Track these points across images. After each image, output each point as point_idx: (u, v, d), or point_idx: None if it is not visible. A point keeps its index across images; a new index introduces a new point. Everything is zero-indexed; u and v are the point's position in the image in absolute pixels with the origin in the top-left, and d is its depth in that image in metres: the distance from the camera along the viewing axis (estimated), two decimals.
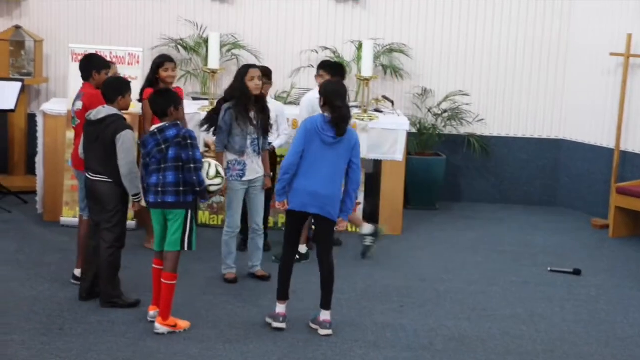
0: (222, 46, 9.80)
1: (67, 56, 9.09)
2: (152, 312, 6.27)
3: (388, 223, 9.02)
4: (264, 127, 7.23)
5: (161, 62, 7.85)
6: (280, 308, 6.33)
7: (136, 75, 8.81)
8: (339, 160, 6.24)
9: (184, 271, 6.71)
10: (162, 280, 6.15)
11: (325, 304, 6.32)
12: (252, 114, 7.14)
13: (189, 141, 6.10)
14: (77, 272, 7.01)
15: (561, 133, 10.70)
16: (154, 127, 6.21)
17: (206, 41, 9.87)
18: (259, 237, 7.39)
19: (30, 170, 9.93)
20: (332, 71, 8.02)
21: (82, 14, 10.53)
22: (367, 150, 8.97)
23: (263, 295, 6.94)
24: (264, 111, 7.23)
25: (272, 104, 7.73)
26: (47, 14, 10.54)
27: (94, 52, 8.09)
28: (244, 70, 7.19)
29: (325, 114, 6.24)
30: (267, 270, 7.38)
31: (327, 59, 9.44)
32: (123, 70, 8.47)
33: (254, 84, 7.09)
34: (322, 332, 6.24)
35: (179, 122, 6.24)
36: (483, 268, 8.07)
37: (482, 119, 10.57)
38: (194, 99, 9.64)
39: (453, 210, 10.28)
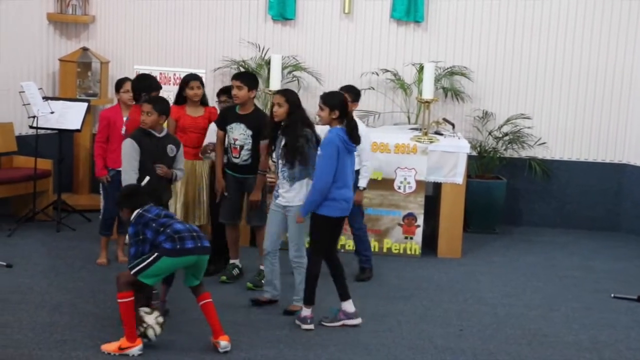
0: (283, 68, 9.89)
1: (132, 77, 9.24)
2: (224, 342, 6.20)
3: (447, 246, 8.99)
4: (285, 156, 6.92)
5: (187, 80, 7.99)
6: (308, 311, 6.67)
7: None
8: (353, 163, 6.86)
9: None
10: (208, 300, 6.23)
11: (345, 295, 6.78)
12: (278, 142, 7.03)
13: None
14: None
15: (625, 157, 10.54)
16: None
17: (268, 63, 9.97)
18: (295, 270, 7.10)
19: (95, 189, 10.12)
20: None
21: (147, 36, 10.73)
22: (427, 173, 8.96)
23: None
24: (288, 139, 6.91)
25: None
26: (113, 36, 10.76)
27: (150, 72, 8.29)
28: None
29: (339, 126, 6.61)
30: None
31: (387, 80, 9.45)
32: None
33: (273, 110, 7.01)
34: (354, 322, 6.73)
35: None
36: (544, 293, 7.97)
37: (544, 143, 10.47)
38: None
39: (513, 234, 10.18)
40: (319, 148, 6.72)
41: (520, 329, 6.93)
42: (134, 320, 6.07)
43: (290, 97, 7.00)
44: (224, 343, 6.14)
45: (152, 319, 6.18)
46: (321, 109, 6.69)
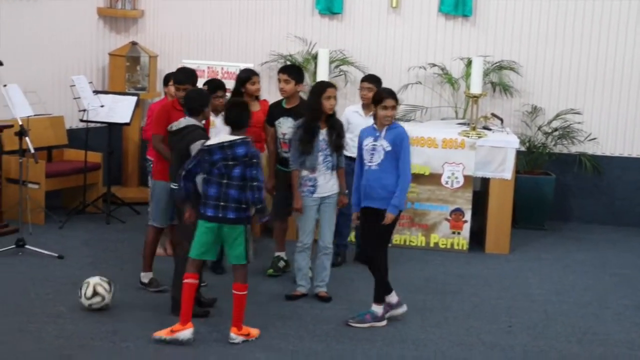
0: (330, 62, 9.87)
1: None
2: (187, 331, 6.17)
3: (495, 242, 8.93)
4: (336, 144, 7.15)
5: (248, 76, 7.92)
6: (380, 309, 6.69)
7: None
8: None
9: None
10: (235, 291, 6.21)
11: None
12: (323, 131, 7.11)
13: (254, 160, 6.14)
14: (143, 275, 7.27)
15: None
16: (224, 140, 6.16)
17: (315, 57, 9.98)
18: (325, 257, 7.21)
19: (143, 181, 10.22)
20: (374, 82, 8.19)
21: (195, 31, 10.80)
22: (475, 168, 8.90)
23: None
24: (335, 128, 7.17)
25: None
26: (162, 31, 10.85)
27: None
28: (321, 88, 7.17)
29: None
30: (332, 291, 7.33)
31: (435, 74, 9.38)
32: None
33: (329, 103, 7.08)
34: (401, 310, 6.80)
35: (249, 139, 6.22)
36: (594, 290, 7.88)
37: (595, 138, 10.33)
38: None
39: (562, 231, 10.07)
40: (390, 143, 6.63)
41: (570, 327, 6.85)
42: (191, 304, 6.17)
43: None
44: (231, 335, 6.21)
45: (110, 296, 6.66)
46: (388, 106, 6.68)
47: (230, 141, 6.14)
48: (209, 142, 6.21)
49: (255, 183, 6.13)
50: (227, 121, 6.30)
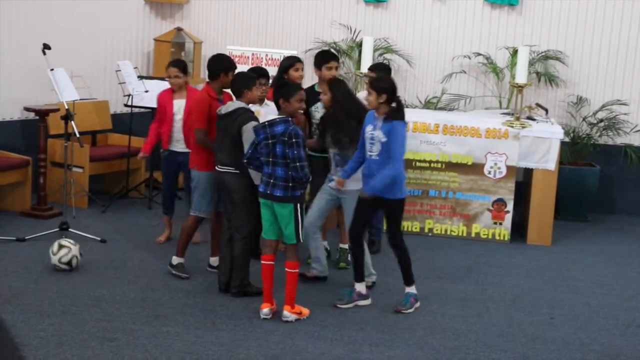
0: (374, 50, 9.84)
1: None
2: (266, 309, 6.37)
3: (537, 233, 8.85)
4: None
5: (291, 63, 7.80)
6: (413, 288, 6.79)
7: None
8: None
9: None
10: (287, 269, 6.34)
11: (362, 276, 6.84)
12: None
13: (293, 139, 6.18)
14: (212, 260, 7.37)
15: None
16: (266, 120, 6.35)
17: (359, 45, 9.95)
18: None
19: None
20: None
21: (240, 17, 10.82)
22: (518, 158, 8.82)
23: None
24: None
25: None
26: (207, 17, 10.90)
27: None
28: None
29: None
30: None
31: (479, 64, 9.30)
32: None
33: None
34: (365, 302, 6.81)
35: (289, 118, 6.30)
36: (638, 283, 7.78)
37: None
38: None
39: (606, 223, 9.95)
40: (385, 134, 6.53)
41: (613, 319, 6.78)
42: (270, 284, 6.43)
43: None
44: (284, 312, 6.35)
45: (76, 249, 7.16)
46: (369, 93, 6.56)
47: (270, 120, 6.26)
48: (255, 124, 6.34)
49: (298, 164, 6.18)
50: (275, 102, 6.43)
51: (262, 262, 6.46)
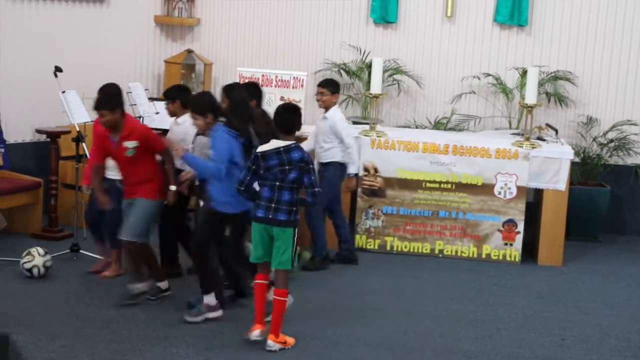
0: (384, 71, 9.87)
1: (234, 79, 9.38)
2: (257, 331, 6.25)
3: (548, 253, 8.83)
4: None
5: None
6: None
7: (300, 98, 9.02)
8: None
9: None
10: (275, 297, 6.22)
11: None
12: None
13: (310, 166, 6.20)
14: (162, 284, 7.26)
15: None
16: (279, 145, 6.18)
17: (368, 66, 9.98)
18: None
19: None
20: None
21: (250, 39, 10.86)
22: (528, 179, 8.82)
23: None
24: None
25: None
26: (217, 39, 10.94)
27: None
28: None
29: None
30: None
31: (489, 84, 9.33)
32: (288, 94, 8.71)
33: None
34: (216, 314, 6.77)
35: (299, 144, 6.30)
36: None
37: None
38: (355, 122, 9.74)
39: (617, 243, 9.92)
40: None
41: (625, 341, 6.75)
42: (262, 304, 6.34)
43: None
44: (268, 342, 6.22)
45: (41, 260, 7.44)
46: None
47: (286, 146, 6.18)
48: (262, 148, 6.24)
49: (317, 189, 6.20)
50: (278, 125, 6.34)
51: (257, 281, 6.33)
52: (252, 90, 7.61)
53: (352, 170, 8.35)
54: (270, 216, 6.18)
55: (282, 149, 6.17)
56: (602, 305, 7.67)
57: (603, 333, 6.92)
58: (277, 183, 6.16)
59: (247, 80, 9.13)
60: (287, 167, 6.14)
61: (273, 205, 6.16)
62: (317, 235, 8.25)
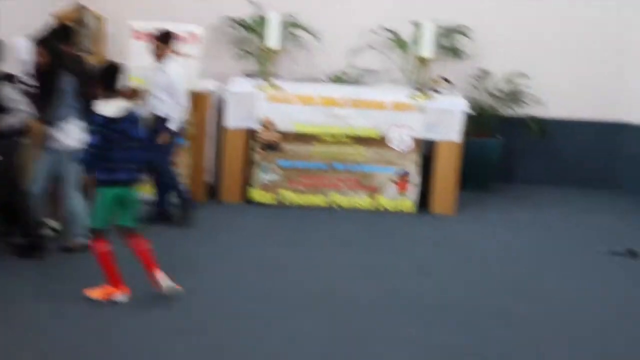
0: (281, 26, 9.81)
1: (128, 34, 9.21)
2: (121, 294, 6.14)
3: (442, 203, 9.03)
4: None
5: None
6: None
7: (195, 52, 8.92)
8: None
9: None
10: (139, 248, 6.13)
11: None
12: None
13: (140, 121, 6.19)
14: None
15: (622, 116, 10.56)
16: (114, 105, 6.06)
17: (266, 20, 9.91)
18: None
19: None
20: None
21: None
22: (423, 131, 8.97)
23: None
24: None
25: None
26: None
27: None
28: None
29: None
30: None
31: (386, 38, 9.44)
32: (183, 48, 8.60)
33: None
34: None
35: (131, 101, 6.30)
36: (537, 249, 8.03)
37: (542, 101, 10.44)
38: (250, 76, 9.70)
39: (508, 192, 10.22)
40: None
41: (512, 283, 6.97)
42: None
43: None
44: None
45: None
46: None
47: (121, 106, 6.07)
48: (105, 111, 6.06)
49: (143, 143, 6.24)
50: (102, 84, 6.17)
51: (102, 247, 6.09)
52: (62, 35, 7.52)
53: (172, 126, 7.94)
54: (126, 177, 6.10)
55: (118, 110, 6.03)
56: (492, 250, 7.90)
57: (493, 275, 7.13)
58: (123, 143, 6.03)
59: (137, 35, 8.98)
60: (126, 126, 6.04)
61: (124, 165, 6.06)
62: (173, 186, 8.13)
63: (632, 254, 7.88)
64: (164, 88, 7.92)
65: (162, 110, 7.95)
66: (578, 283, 7.10)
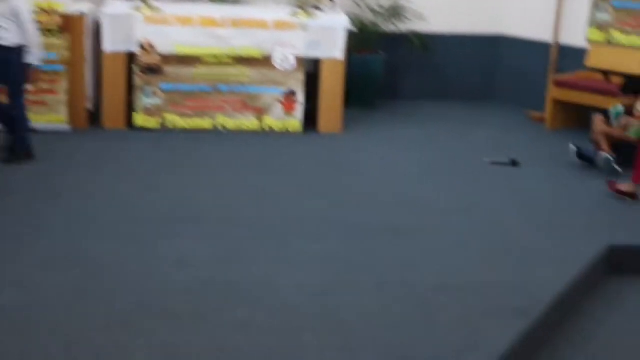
0: None
1: None
2: None
3: (328, 122, 9.04)
4: None
5: None
6: None
7: None
8: None
9: None
10: None
11: None
12: None
13: None
14: None
15: (500, 29, 10.74)
16: None
17: None
18: None
19: None
20: None
21: None
22: (306, 49, 8.90)
23: None
24: None
25: None
26: None
27: None
28: None
29: None
30: None
31: None
32: None
33: None
34: None
35: None
36: (421, 162, 8.16)
37: (423, 16, 10.46)
38: None
39: (393, 109, 10.29)
40: None
41: (398, 198, 7.07)
42: None
43: None
44: None
45: None
46: None
47: None
48: None
49: None
50: None
51: None
52: None
53: (32, 60, 7.46)
54: None
55: None
56: (378, 166, 7.99)
57: (378, 191, 7.22)
58: None
59: None
60: None
61: None
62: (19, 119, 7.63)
63: (513, 163, 8.10)
64: (8, 16, 7.30)
65: (8, 39, 7.34)
66: (463, 194, 7.26)
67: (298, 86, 8.96)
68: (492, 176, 7.77)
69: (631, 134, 7.86)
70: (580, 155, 8.13)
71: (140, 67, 8.67)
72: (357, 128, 9.30)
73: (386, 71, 10.30)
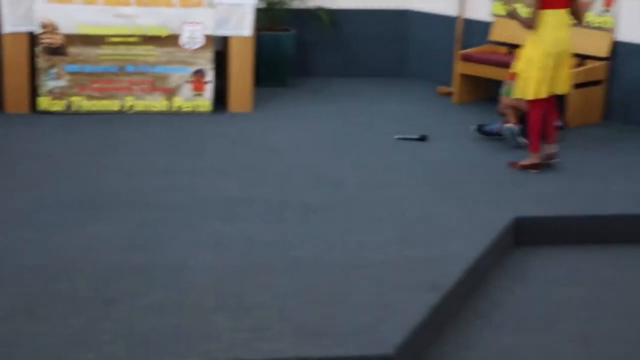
0: None
1: None
2: None
3: (238, 101, 8.97)
4: None
5: None
6: None
7: None
8: None
9: None
10: None
11: None
12: None
13: None
14: None
15: (408, 4, 10.81)
16: None
17: None
18: None
19: None
20: None
21: None
22: (214, 27, 8.80)
23: None
24: None
25: None
26: None
27: None
28: None
29: None
30: None
31: None
32: None
33: None
34: None
35: None
36: (333, 140, 8.17)
37: None
38: None
39: (304, 86, 10.28)
40: None
41: (311, 176, 7.06)
42: None
43: None
44: None
45: None
46: None
47: None
48: None
49: None
50: None
51: None
52: None
53: None
54: None
55: None
56: (290, 144, 7.96)
57: (291, 171, 7.19)
58: None
59: None
60: None
61: None
62: None
63: (422, 138, 8.18)
64: None
65: None
66: (374, 170, 7.29)
67: (207, 65, 8.85)
68: (402, 151, 7.83)
69: (504, 94, 8.09)
70: (482, 130, 8.28)
71: (42, 48, 8.44)
72: (268, 106, 9.26)
73: (296, 48, 10.27)
